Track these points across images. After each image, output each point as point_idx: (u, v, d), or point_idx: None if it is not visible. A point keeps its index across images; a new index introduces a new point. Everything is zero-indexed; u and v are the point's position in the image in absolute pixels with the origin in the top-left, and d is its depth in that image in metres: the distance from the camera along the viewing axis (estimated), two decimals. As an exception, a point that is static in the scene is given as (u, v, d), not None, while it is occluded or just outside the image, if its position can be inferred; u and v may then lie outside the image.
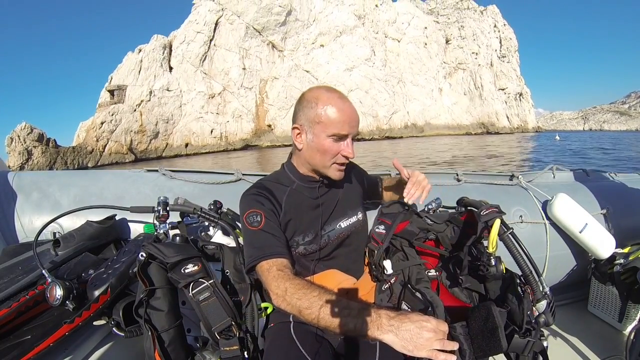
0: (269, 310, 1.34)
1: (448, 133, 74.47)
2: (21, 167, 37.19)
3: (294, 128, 1.29)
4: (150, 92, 52.28)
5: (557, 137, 51.52)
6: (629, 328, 2.00)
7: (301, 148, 1.29)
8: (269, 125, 59.50)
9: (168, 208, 1.52)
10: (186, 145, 53.62)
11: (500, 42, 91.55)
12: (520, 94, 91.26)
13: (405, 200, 1.34)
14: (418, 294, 1.21)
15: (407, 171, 1.41)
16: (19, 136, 38.39)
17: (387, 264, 1.33)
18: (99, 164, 43.86)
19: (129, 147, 47.86)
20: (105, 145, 46.21)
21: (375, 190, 1.64)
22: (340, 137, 1.23)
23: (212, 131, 55.52)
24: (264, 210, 1.23)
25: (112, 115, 47.77)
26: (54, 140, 41.72)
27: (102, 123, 46.65)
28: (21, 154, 37.84)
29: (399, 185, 1.56)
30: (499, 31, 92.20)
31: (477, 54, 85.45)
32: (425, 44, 79.99)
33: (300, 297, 1.01)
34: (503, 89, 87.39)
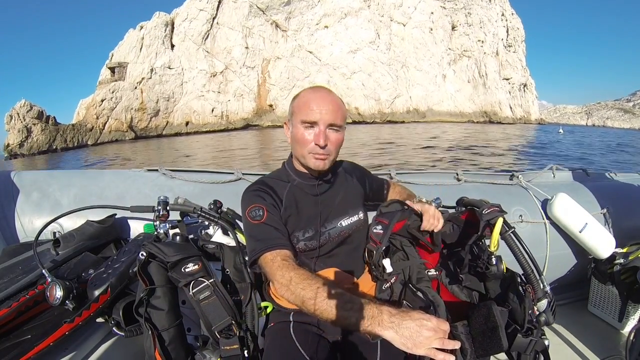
0: (268, 310, 1.36)
1: (450, 120, 74.01)
2: (20, 145, 37.15)
3: (284, 124, 1.35)
4: (152, 70, 51.85)
5: (561, 131, 51.01)
6: (629, 328, 2.03)
7: (289, 142, 1.33)
8: (271, 105, 59.16)
9: (168, 207, 1.53)
10: (187, 123, 53.41)
11: (507, 31, 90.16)
12: (525, 85, 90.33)
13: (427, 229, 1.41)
14: (419, 294, 1.21)
15: (419, 206, 1.44)
16: (18, 113, 38.28)
17: (387, 262, 1.33)
18: (98, 141, 43.79)
19: (129, 124, 47.69)
20: (106, 123, 46.05)
21: (379, 194, 1.62)
22: (311, 124, 1.23)
23: (213, 110, 55.25)
24: (265, 204, 1.25)
25: (113, 92, 47.48)
26: (54, 117, 41.63)
27: (102, 100, 46.39)
28: (20, 132, 37.74)
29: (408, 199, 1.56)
30: (506, 20, 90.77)
31: (483, 42, 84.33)
32: (431, 29, 78.90)
33: (305, 287, 1.02)
34: (507, 79, 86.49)
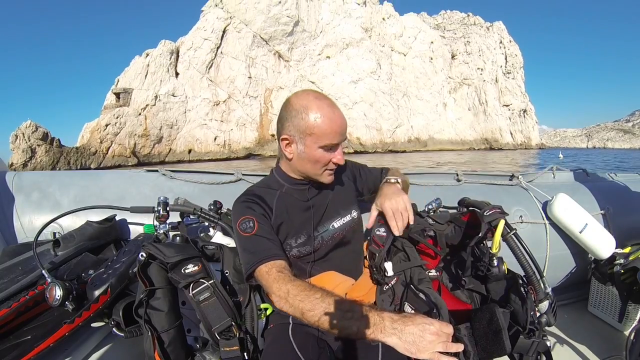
0: (268, 312, 1.35)
1: (451, 148, 74.45)
2: (24, 165, 37.30)
3: (283, 139, 1.29)
4: (156, 97, 52.41)
5: (561, 156, 50.36)
6: (629, 328, 2.00)
7: (291, 158, 1.30)
8: (273, 135, 59.46)
9: (168, 208, 1.54)
10: (189, 151, 53.65)
11: (506, 59, 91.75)
12: (525, 111, 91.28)
13: (397, 234, 1.30)
14: (422, 295, 1.20)
15: (375, 214, 1.38)
16: (23, 134, 38.49)
17: (388, 265, 1.31)
18: (101, 165, 43.82)
19: (132, 150, 47.89)
20: (109, 148, 46.23)
21: (375, 186, 1.58)
22: (332, 147, 1.24)
23: (215, 138, 55.57)
24: (255, 215, 1.24)
25: (117, 117, 47.85)
26: (58, 139, 41.80)
27: (106, 125, 46.72)
28: (25, 152, 37.89)
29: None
30: (504, 47, 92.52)
31: (482, 69, 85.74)
32: (431, 59, 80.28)
33: (303, 299, 1.01)
34: (507, 105, 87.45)
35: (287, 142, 1.28)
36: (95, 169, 40.60)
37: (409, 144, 69.52)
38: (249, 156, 56.04)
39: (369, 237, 1.40)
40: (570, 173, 2.64)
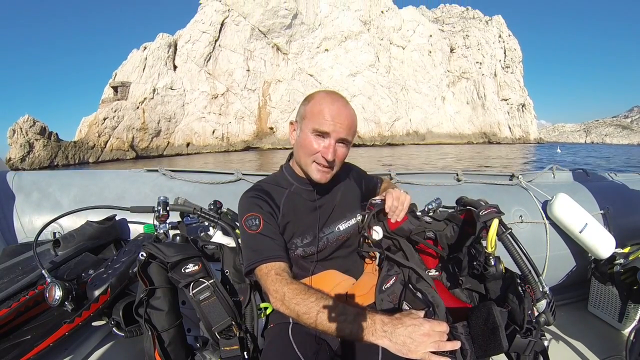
0: (268, 311, 1.34)
1: (449, 142, 74.51)
2: (22, 160, 37.33)
3: (290, 124, 1.33)
4: (154, 90, 52.32)
5: (559, 150, 50.31)
6: (629, 328, 2.00)
7: (293, 144, 1.32)
8: (271, 128, 59.53)
9: (168, 208, 1.53)
10: (187, 144, 53.66)
11: (505, 53, 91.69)
12: (523, 105, 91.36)
13: (392, 219, 1.37)
14: (419, 294, 1.20)
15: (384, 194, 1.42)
16: (21, 128, 38.56)
17: (378, 228, 1.36)
18: (99, 159, 43.88)
19: (130, 144, 47.89)
20: (107, 142, 46.23)
21: (373, 193, 1.63)
22: (322, 135, 1.21)
23: (213, 132, 55.57)
24: (262, 213, 1.23)
25: (115, 111, 47.81)
26: (56, 134, 41.87)
27: (104, 119, 46.68)
28: (23, 147, 37.94)
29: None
30: (503, 41, 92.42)
31: (481, 63, 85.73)
32: (430, 52, 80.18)
33: (298, 302, 1.02)
34: (506, 100, 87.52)
35: (293, 128, 1.32)
36: (94, 162, 40.62)
37: (407, 137, 69.61)
38: (247, 149, 56.09)
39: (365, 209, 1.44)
40: (570, 173, 2.64)
